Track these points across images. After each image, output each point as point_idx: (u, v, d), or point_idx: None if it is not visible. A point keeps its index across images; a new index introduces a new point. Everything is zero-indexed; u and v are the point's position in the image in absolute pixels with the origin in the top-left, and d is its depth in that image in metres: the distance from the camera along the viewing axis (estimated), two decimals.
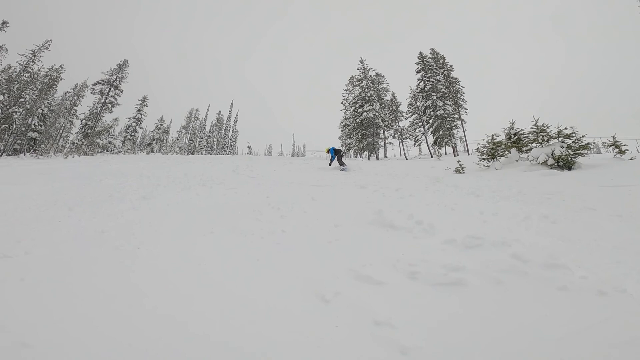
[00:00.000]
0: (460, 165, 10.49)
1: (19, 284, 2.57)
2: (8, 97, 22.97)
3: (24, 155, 22.29)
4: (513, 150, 10.44)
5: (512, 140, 10.92)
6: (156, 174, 11.33)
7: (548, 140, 9.68)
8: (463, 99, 32.81)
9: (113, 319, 2.11)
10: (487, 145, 11.17)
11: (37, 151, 22.51)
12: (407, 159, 29.77)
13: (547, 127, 9.77)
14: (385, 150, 32.85)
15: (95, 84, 29.21)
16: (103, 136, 27.42)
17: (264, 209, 5.44)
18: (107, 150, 27.23)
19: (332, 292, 2.47)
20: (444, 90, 31.20)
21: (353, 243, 3.61)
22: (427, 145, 30.80)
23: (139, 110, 35.05)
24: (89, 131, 26.13)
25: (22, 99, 24.23)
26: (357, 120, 32.35)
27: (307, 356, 1.78)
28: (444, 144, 29.90)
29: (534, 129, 10.00)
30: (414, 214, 4.36)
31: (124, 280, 2.69)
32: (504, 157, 10.77)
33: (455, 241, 3.24)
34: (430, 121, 30.89)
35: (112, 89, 29.24)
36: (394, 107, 34.79)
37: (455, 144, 29.68)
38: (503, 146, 10.90)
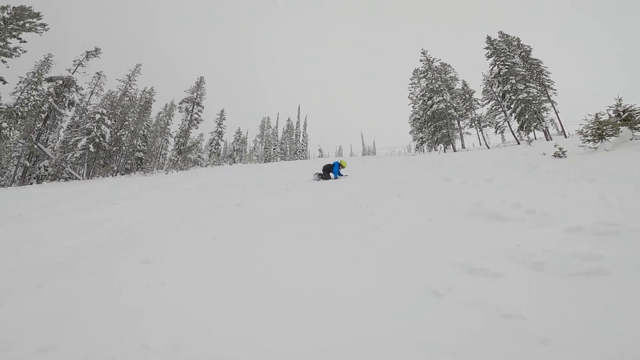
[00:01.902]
0: (560, 149, 9.34)
1: (161, 287, 2.91)
2: (114, 121, 26.92)
3: (134, 173, 25.93)
4: (625, 128, 8.97)
5: (622, 117, 9.40)
6: (242, 182, 12.26)
7: None
8: (549, 80, 29.22)
9: (260, 310, 2.37)
10: (591, 125, 9.77)
11: (143, 169, 26.05)
12: (489, 147, 27.56)
13: None
14: (462, 140, 30.85)
15: (181, 103, 32.44)
16: (193, 151, 30.52)
17: (350, 208, 5.53)
18: (198, 164, 30.24)
19: (444, 287, 2.40)
20: (523, 72, 28.23)
21: (454, 236, 3.47)
22: (512, 132, 28.13)
23: (219, 124, 38.22)
24: (181, 147, 29.34)
25: (127, 122, 28.21)
26: (428, 112, 31.00)
27: (439, 350, 1.76)
28: (532, 128, 26.96)
29: None
30: (521, 202, 4.02)
31: (248, 281, 2.92)
32: (614, 136, 9.32)
33: (582, 229, 2.90)
34: (512, 106, 28.20)
35: (195, 106, 32.30)
36: (467, 96, 32.57)
37: (546, 127, 26.56)
38: (611, 125, 9.43)
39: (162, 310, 2.43)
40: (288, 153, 50.57)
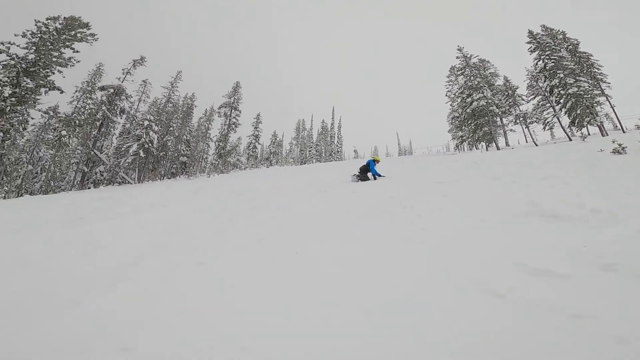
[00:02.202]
0: (619, 145, 8.65)
1: (219, 288, 2.99)
2: (160, 127, 28.46)
3: (179, 177, 27.30)
4: None
5: None
6: (281, 185, 12.49)
7: None
8: (602, 73, 27.13)
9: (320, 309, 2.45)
10: None
11: (187, 173, 27.37)
12: (537, 145, 26.02)
13: None
14: (506, 138, 29.36)
15: (219, 108, 33.48)
16: (232, 154, 31.59)
17: (394, 209, 5.47)
18: (237, 167, 31.27)
19: (505, 287, 2.34)
20: (572, 66, 26.41)
21: (511, 237, 3.35)
22: (562, 128, 26.35)
23: (256, 128, 39.26)
24: (221, 151, 30.47)
25: (171, 128, 29.75)
26: (467, 110, 29.79)
27: (510, 351, 1.72)
28: (584, 123, 25.12)
29: None
30: (584, 202, 3.79)
31: (301, 283, 2.97)
32: None
33: None
34: (562, 101, 26.44)
35: (232, 110, 33.32)
36: (510, 92, 30.94)
37: (601, 122, 24.63)
38: None
39: (224, 311, 2.52)
40: (323, 155, 50.83)
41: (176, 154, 29.97)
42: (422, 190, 7.08)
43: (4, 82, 18.88)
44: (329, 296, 2.59)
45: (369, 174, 10.99)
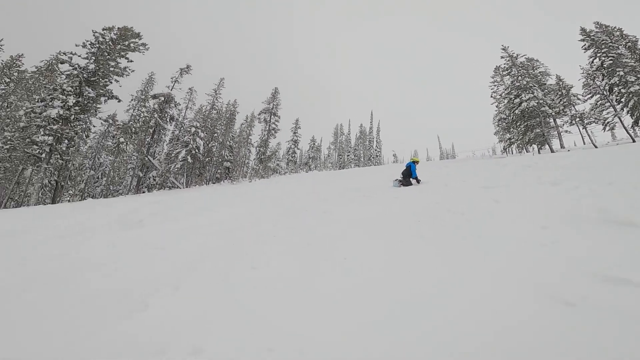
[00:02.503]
0: None
1: (273, 292, 3.04)
2: (206, 133, 29.88)
3: (223, 182, 28.46)
4: None
5: None
6: (321, 189, 12.59)
7: None
8: None
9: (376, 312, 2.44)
10: None
11: (231, 178, 28.47)
12: (596, 146, 24.08)
13: None
14: (560, 140, 27.47)
15: (259, 114, 34.63)
16: (272, 160, 32.40)
17: (442, 215, 5.30)
18: (276, 172, 32.02)
19: (576, 296, 2.20)
20: (632, 63, 24.27)
21: (579, 244, 3.12)
22: (624, 128, 24.21)
23: (294, 133, 40.00)
24: (262, 157, 31.37)
25: (215, 134, 31.12)
26: (515, 111, 28.25)
27: None
28: None
29: None
30: None
31: (353, 289, 2.98)
32: None
33: None
34: (623, 100, 24.35)
35: (272, 116, 34.17)
36: (564, 91, 28.97)
37: None
38: None
39: (281, 315, 2.57)
40: (362, 159, 50.57)
41: (220, 160, 31.28)
42: (469, 195, 6.81)
43: (68, 91, 20.71)
44: (386, 300, 2.59)
45: (412, 180, 10.75)
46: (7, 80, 25.07)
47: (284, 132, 38.82)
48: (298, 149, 41.84)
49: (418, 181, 10.66)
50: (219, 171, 30.84)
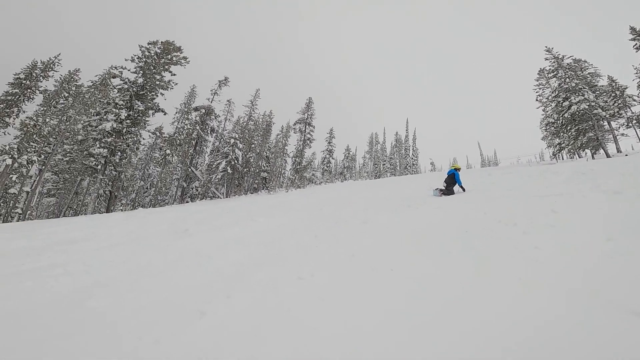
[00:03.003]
0: None
1: (321, 304, 3.05)
2: (244, 144, 30.81)
3: (261, 192, 29.17)
4: None
5: None
6: (358, 199, 12.52)
7: None
8: None
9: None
10: None
11: (268, 188, 29.11)
12: None
13: None
14: (616, 143, 25.39)
15: (295, 124, 35.24)
16: (308, 170, 32.76)
17: (493, 226, 5.05)
18: (312, 182, 32.32)
19: None
20: None
21: None
22: None
23: (329, 142, 40.22)
24: (297, 167, 31.83)
25: (253, 145, 32.03)
26: (565, 115, 26.55)
27: None
28: None
29: None
30: None
31: (407, 305, 2.98)
32: None
33: None
34: None
35: (306, 126, 34.62)
36: (618, 92, 26.89)
37: None
38: None
39: (332, 327, 2.56)
40: (398, 168, 49.74)
41: (257, 170, 32.12)
42: (521, 205, 6.44)
43: (120, 105, 22.21)
44: (442, 319, 2.49)
45: (455, 188, 10.39)
46: (66, 94, 27.27)
47: (318, 141, 39.19)
48: (333, 158, 42.00)
49: (463, 189, 10.29)
50: (256, 181, 31.68)
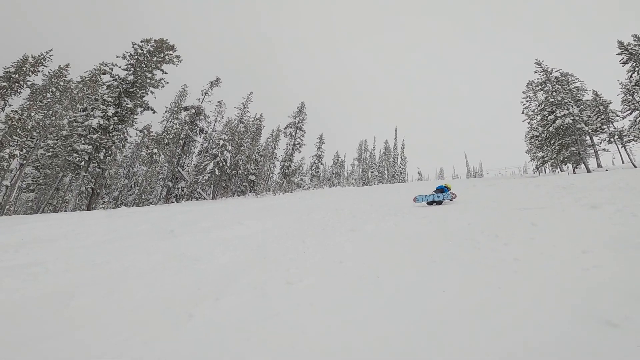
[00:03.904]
0: None
1: (310, 309, 3.06)
2: (233, 146, 30.60)
3: (248, 195, 28.98)
4: None
5: None
6: (346, 206, 12.57)
7: None
8: None
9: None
10: None
11: (255, 191, 28.92)
12: (635, 166, 22.85)
13: None
14: (597, 158, 26.21)
15: (285, 128, 35.08)
16: (296, 174, 32.72)
17: (476, 237, 5.17)
18: (300, 187, 32.25)
19: (618, 317, 2.21)
20: None
21: (623, 268, 3.05)
22: None
23: (319, 148, 40.27)
24: (286, 171, 31.76)
25: (242, 147, 31.84)
26: (549, 129, 27.25)
27: None
28: None
29: None
30: None
31: (391, 309, 3.03)
32: None
33: None
34: None
35: (297, 130, 34.57)
36: (601, 107, 27.80)
37: None
38: None
39: (321, 331, 2.59)
40: (386, 176, 50.13)
41: (245, 173, 31.91)
42: (504, 217, 6.62)
43: (108, 102, 21.84)
44: (427, 324, 2.53)
45: (442, 197, 10.59)
46: (54, 89, 26.63)
47: (308, 146, 39.23)
48: (322, 164, 42.06)
49: (452, 199, 10.57)
50: (244, 184, 31.46)
